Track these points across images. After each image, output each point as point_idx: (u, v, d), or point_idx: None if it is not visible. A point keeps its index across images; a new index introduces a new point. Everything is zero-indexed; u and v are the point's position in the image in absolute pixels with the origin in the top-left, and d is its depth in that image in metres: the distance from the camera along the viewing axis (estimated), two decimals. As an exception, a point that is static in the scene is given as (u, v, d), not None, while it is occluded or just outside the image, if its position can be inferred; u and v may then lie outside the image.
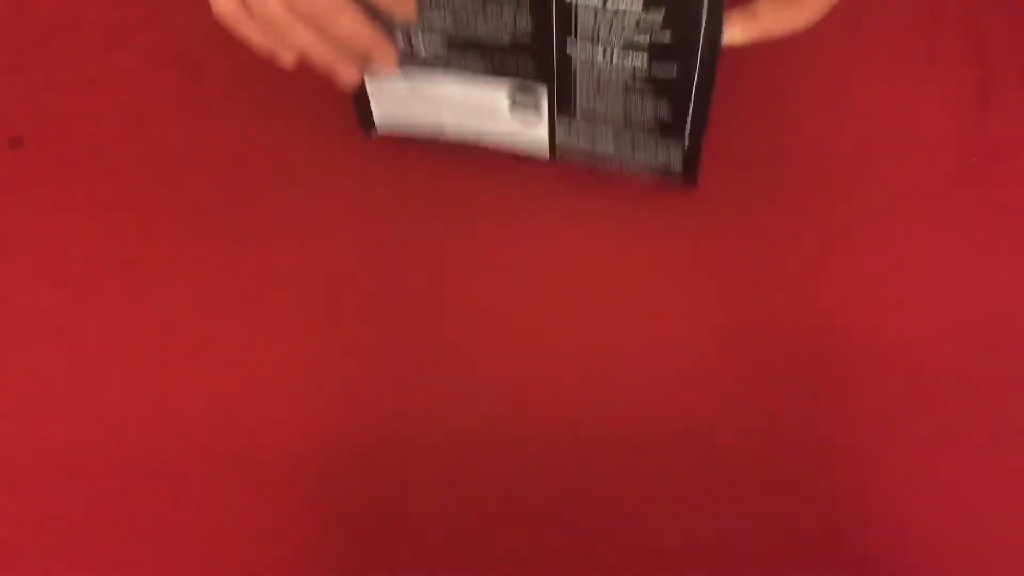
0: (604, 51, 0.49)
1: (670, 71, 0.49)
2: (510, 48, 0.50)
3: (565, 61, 0.50)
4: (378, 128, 0.59)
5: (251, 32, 0.48)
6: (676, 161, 0.54)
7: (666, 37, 0.47)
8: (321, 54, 0.49)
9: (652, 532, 0.50)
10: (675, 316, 0.55)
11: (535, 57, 0.50)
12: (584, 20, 0.47)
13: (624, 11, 0.46)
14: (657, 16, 0.46)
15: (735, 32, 0.48)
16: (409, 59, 0.53)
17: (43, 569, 0.50)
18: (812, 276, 0.56)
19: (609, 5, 0.46)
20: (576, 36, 0.48)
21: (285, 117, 0.62)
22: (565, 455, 0.51)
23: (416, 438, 0.52)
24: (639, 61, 0.48)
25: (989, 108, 0.61)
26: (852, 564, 0.49)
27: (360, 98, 0.56)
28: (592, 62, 0.49)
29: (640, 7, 0.46)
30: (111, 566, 0.50)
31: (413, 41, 0.52)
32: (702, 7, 0.45)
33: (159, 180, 0.60)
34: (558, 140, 0.56)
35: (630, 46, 0.48)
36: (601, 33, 0.48)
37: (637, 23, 0.47)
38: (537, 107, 0.53)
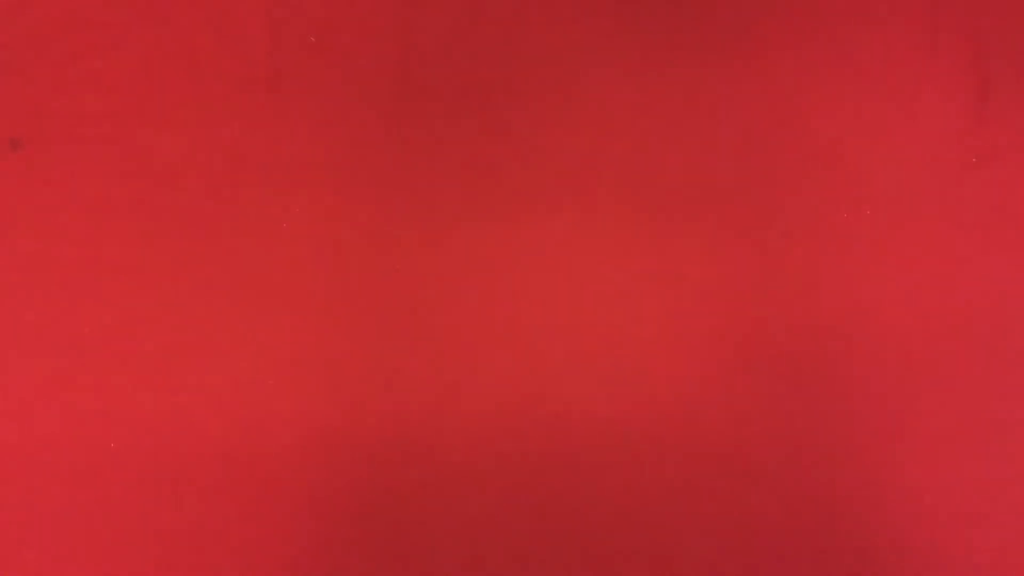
0: None
1: None
2: None
3: None
4: None
5: None
6: None
7: None
8: None
9: (652, 531, 0.50)
10: (676, 316, 0.55)
11: None
12: None
13: None
14: None
15: None
16: None
17: (43, 569, 0.50)
18: (812, 276, 0.56)
19: None
20: None
21: (285, 117, 0.62)
22: (566, 454, 0.51)
23: (418, 438, 0.52)
24: None
25: (989, 108, 0.61)
26: (852, 562, 0.49)
27: None
28: None
29: None
30: (111, 566, 0.49)
31: None
32: None
33: (159, 180, 0.60)
34: None
35: None
36: None
37: None
38: None
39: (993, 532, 0.49)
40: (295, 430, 0.52)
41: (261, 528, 0.50)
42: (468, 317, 0.55)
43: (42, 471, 0.51)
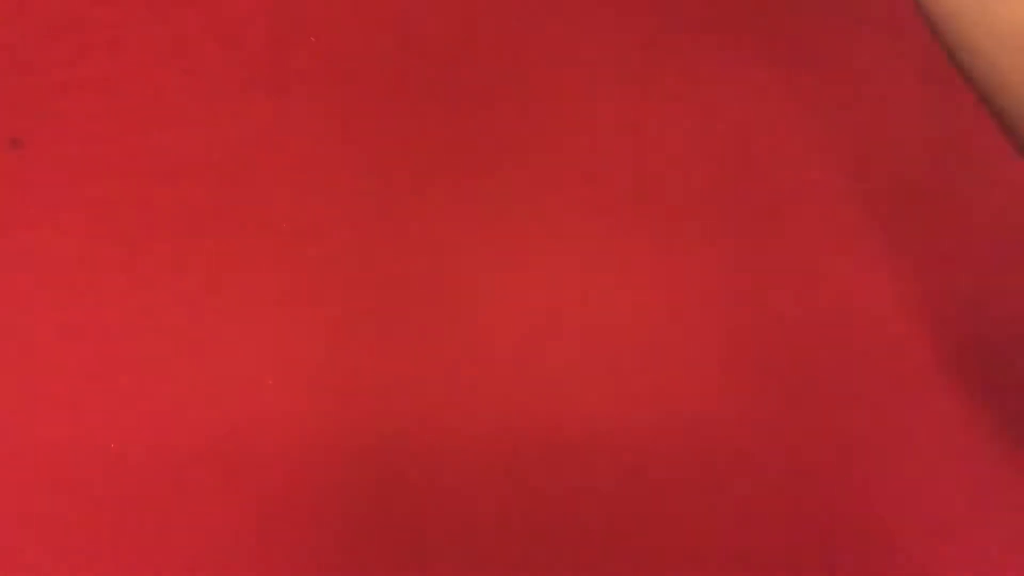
0: None
1: None
2: None
3: None
4: None
5: None
6: None
7: None
8: None
9: (651, 533, 0.50)
10: (675, 316, 0.55)
11: None
12: None
13: None
14: None
15: None
16: None
17: (43, 569, 0.50)
18: (812, 276, 0.56)
19: None
20: None
21: (285, 117, 0.62)
22: (566, 454, 0.51)
23: (418, 438, 0.52)
24: None
25: (989, 108, 0.61)
26: (851, 562, 0.49)
27: None
28: None
29: None
30: (111, 566, 0.50)
31: None
32: None
33: (159, 180, 0.60)
34: None
35: None
36: None
37: None
38: None
39: (994, 532, 0.49)
40: (295, 430, 0.52)
41: (261, 528, 0.50)
42: (469, 317, 0.55)
43: (41, 472, 0.51)
